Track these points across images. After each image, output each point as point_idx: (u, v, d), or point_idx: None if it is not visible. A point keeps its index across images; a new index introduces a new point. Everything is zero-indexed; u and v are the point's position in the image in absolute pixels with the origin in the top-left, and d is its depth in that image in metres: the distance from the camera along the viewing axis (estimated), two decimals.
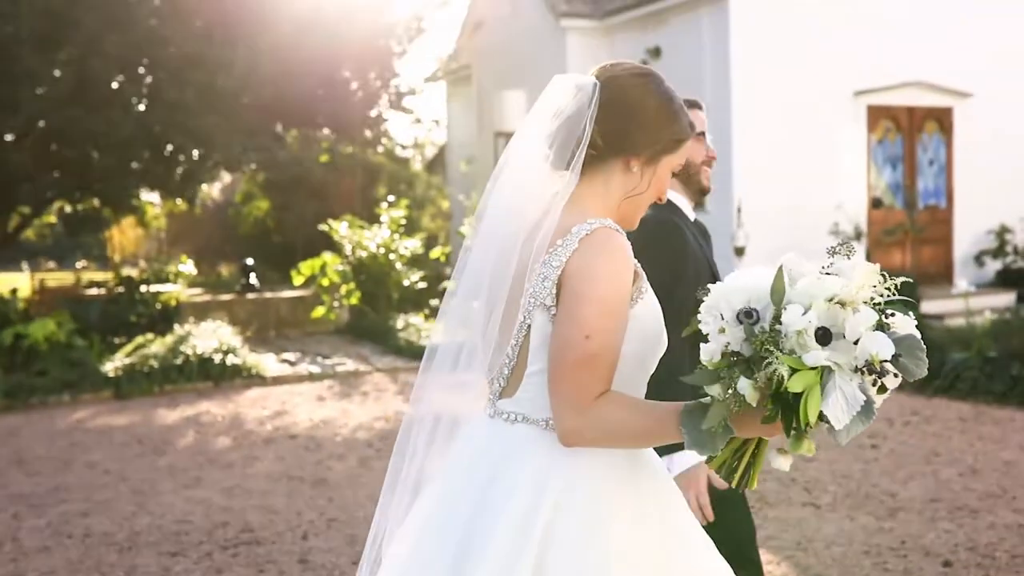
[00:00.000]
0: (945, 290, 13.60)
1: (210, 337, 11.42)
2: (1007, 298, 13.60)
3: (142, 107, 12.76)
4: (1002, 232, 14.58)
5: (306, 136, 17.81)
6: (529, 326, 1.95)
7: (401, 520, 2.16)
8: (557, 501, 1.92)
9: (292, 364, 11.77)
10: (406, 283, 14.48)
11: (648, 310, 1.99)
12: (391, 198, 15.17)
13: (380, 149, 20.69)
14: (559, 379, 1.89)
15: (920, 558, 4.87)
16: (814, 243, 13.16)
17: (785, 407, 1.71)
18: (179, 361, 10.68)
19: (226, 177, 25.00)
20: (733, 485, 1.93)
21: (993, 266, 14.61)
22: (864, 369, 1.70)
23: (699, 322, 1.84)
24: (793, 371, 1.68)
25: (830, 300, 1.72)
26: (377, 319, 13.58)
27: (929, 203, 14.66)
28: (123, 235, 24.84)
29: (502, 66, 16.70)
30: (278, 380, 11.00)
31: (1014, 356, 8.91)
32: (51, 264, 29.39)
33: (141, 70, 13.06)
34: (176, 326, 12.42)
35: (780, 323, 1.73)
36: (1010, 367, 8.76)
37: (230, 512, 6.17)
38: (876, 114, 14.15)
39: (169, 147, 13.47)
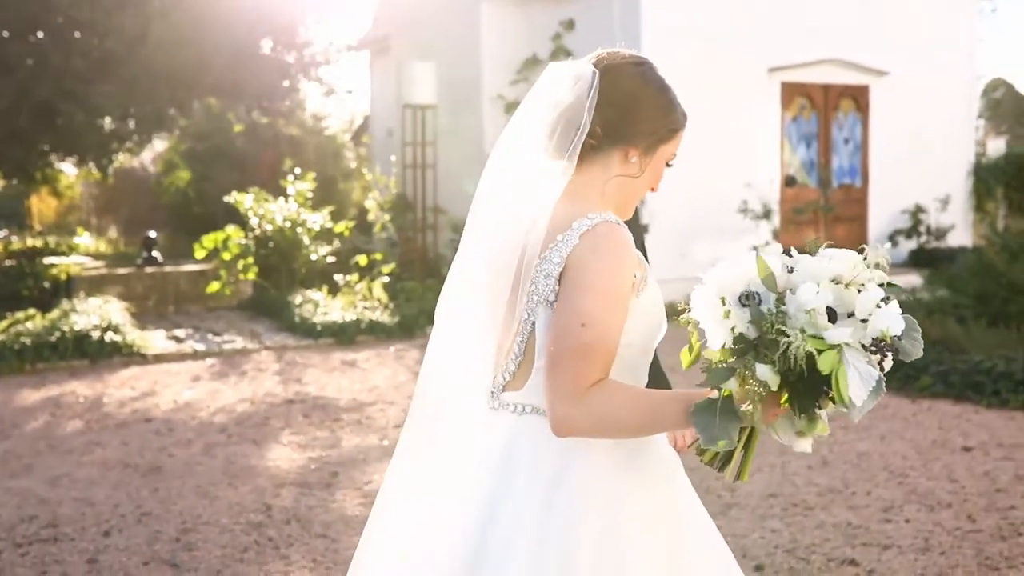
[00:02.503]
0: None
1: (95, 313, 11.03)
2: (920, 278, 13.50)
3: (26, 74, 12.20)
4: (916, 212, 14.48)
5: (226, 107, 17.26)
6: (534, 322, 1.98)
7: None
8: (572, 499, 1.93)
9: (179, 341, 11.39)
10: (314, 257, 14.09)
11: (651, 301, 2.00)
12: (297, 170, 14.71)
13: (306, 119, 20.25)
14: (554, 367, 1.89)
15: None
16: (722, 221, 13.02)
17: (795, 389, 1.74)
18: (54, 338, 10.26)
19: (158, 145, 24.41)
20: (727, 477, 1.96)
21: (907, 246, 14.52)
22: (871, 348, 1.73)
23: (690, 312, 1.87)
24: (817, 351, 1.71)
25: (834, 280, 1.77)
26: (277, 295, 13.20)
27: (844, 182, 14.52)
28: (43, 204, 24.19)
29: (418, 37, 16.29)
30: (160, 358, 10.61)
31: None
32: None
33: (31, 38, 12.52)
34: (65, 301, 12.02)
35: (784, 304, 1.76)
36: None
37: (45, 505, 5.83)
38: (790, 91, 13.96)
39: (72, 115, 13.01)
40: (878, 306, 1.79)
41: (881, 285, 1.81)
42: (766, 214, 12.98)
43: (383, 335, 11.60)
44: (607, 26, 13.40)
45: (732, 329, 1.78)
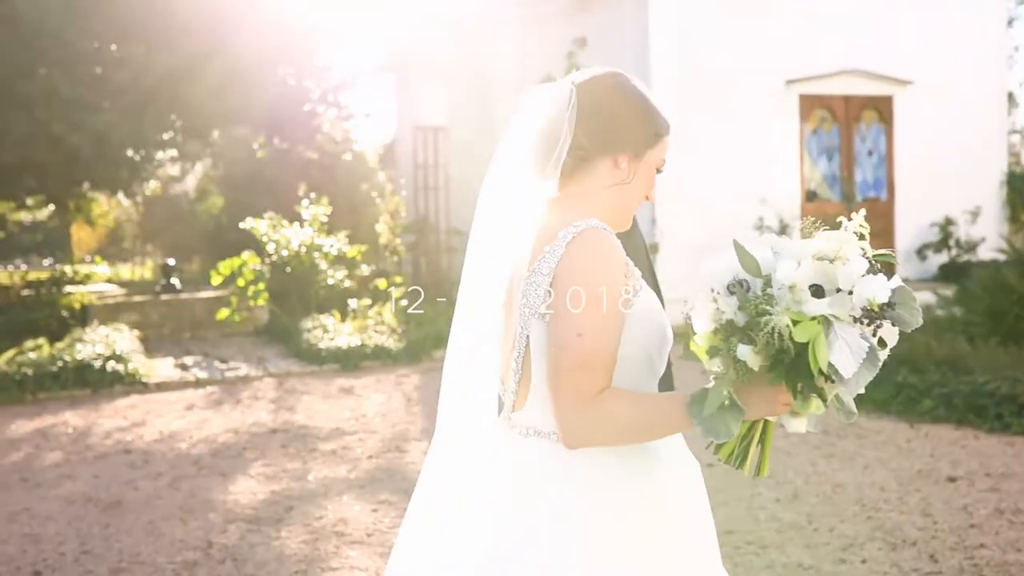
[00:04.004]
0: None
1: (101, 342, 11.04)
2: (933, 295, 13.04)
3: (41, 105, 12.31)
4: (946, 225, 13.99)
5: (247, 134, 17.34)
6: (528, 336, 1.95)
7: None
8: (577, 526, 1.91)
9: (185, 369, 11.35)
10: (331, 282, 14.02)
11: (646, 308, 1.96)
12: (312, 195, 14.68)
13: (333, 143, 20.29)
14: (556, 381, 1.88)
15: None
16: (738, 239, 12.64)
17: (788, 370, 1.72)
18: (56, 368, 10.27)
19: (198, 169, 24.63)
20: (746, 473, 1.91)
21: (937, 260, 14.02)
22: (863, 319, 1.72)
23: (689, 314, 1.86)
24: (795, 323, 1.69)
25: (818, 257, 1.75)
26: (289, 321, 13.13)
27: (868, 195, 14.09)
28: (84, 232, 24.54)
29: (434, 59, 16.21)
30: (161, 386, 10.58)
31: (903, 361, 8.37)
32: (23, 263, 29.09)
33: (43, 70, 12.64)
34: (77, 330, 12.09)
35: (771, 287, 1.76)
36: (896, 373, 8.22)
37: None
38: (809, 104, 13.59)
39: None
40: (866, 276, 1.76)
41: (871, 258, 1.79)
42: (783, 230, 12.60)
43: (389, 360, 11.46)
44: (619, 42, 13.19)
45: (720, 314, 1.77)
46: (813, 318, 1.70)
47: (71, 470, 7.38)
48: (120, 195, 18.01)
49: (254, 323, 14.03)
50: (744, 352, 1.73)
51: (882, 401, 8.03)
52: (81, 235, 24.28)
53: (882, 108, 13.98)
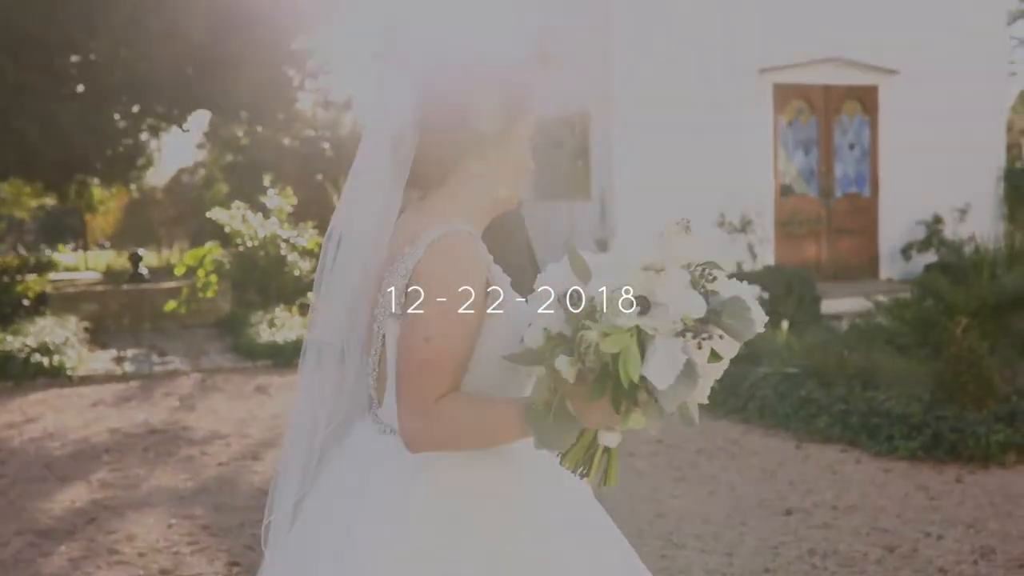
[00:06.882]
0: (866, 284, 12.38)
1: (33, 333, 10.93)
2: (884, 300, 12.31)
3: None
4: (934, 223, 13.22)
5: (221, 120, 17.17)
6: (384, 336, 1.95)
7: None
8: (419, 520, 1.88)
9: (120, 362, 11.19)
10: (297, 273, 13.79)
11: (515, 314, 1.90)
12: (279, 184, 14.45)
13: (323, 129, 20.07)
14: (401, 383, 1.87)
15: None
16: (703, 236, 12.08)
17: (611, 383, 1.69)
18: None
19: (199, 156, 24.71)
20: (590, 481, 1.89)
21: (922, 259, 13.25)
22: (685, 333, 1.69)
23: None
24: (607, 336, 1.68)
25: (645, 268, 1.73)
26: (242, 313, 12.92)
27: (849, 191, 13.36)
28: (101, 219, 24.77)
29: (411, 44, 15.85)
30: (85, 380, 10.43)
31: (812, 373, 7.80)
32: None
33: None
34: (24, 321, 12.02)
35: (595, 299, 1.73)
36: (803, 387, 7.66)
37: None
38: (785, 93, 12.90)
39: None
40: (710, 292, 1.74)
41: (707, 265, 1.74)
42: (743, 227, 11.99)
43: None
44: (582, 27, 12.68)
45: (546, 329, 1.74)
46: (627, 329, 1.67)
47: None
48: (121, 182, 17.97)
49: (216, 314, 13.86)
50: (560, 363, 1.70)
51: (783, 416, 7.50)
52: (96, 222, 24.51)
53: (866, 99, 13.22)
